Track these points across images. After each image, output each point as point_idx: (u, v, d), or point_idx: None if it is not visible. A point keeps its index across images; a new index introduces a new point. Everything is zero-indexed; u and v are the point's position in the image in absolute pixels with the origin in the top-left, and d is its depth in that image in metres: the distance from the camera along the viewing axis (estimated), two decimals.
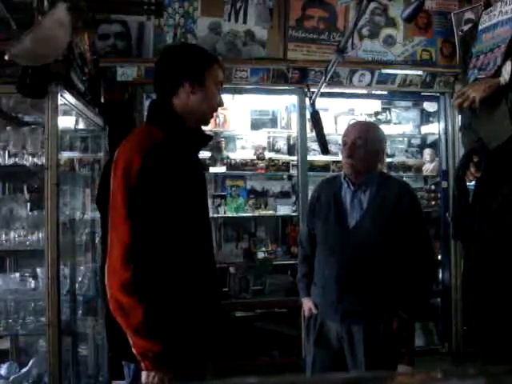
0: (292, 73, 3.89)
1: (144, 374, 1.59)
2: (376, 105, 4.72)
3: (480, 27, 2.23)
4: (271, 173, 4.55)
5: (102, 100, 3.45)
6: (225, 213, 4.38)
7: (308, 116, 3.75)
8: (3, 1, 2.24)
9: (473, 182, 2.19)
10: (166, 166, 1.62)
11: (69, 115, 2.71)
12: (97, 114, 3.13)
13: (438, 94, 4.28)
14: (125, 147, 1.65)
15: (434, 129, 4.60)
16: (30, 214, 2.71)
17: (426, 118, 4.86)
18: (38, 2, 2.21)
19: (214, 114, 1.88)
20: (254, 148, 4.54)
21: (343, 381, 0.71)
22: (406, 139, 5.00)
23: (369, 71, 3.97)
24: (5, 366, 2.77)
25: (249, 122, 4.54)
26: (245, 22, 3.82)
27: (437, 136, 4.46)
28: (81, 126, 3.05)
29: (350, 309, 2.22)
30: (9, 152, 2.64)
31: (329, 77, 2.55)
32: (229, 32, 3.80)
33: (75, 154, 3.10)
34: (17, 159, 2.64)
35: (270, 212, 4.48)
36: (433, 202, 4.55)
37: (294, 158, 4.34)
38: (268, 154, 4.52)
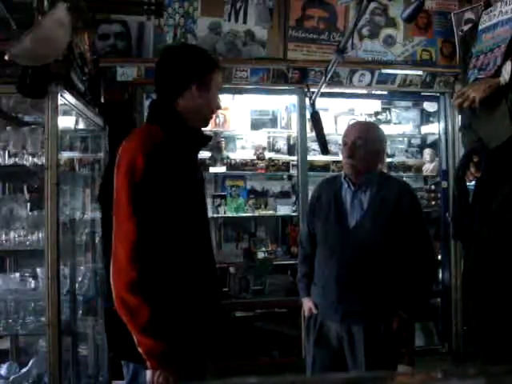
0: (292, 73, 3.89)
1: (149, 373, 1.59)
2: (376, 105, 4.72)
3: (480, 27, 2.23)
4: (271, 173, 4.55)
5: (102, 100, 3.45)
6: (225, 213, 4.38)
7: (308, 116, 3.75)
8: (3, 1, 2.24)
9: (473, 182, 2.19)
10: (168, 164, 1.63)
11: (69, 115, 2.71)
12: (97, 114, 3.13)
13: (438, 94, 4.27)
14: (127, 146, 1.66)
15: (434, 129, 4.60)
16: (29, 214, 2.71)
17: (426, 117, 4.86)
18: (37, 2, 2.20)
19: (214, 115, 1.89)
20: (253, 148, 4.54)
21: (343, 381, 0.71)
22: (405, 139, 5.01)
23: (369, 71, 3.97)
24: (5, 366, 2.77)
25: (249, 122, 4.53)
26: (245, 22, 3.82)
27: (437, 136, 4.46)
28: (81, 125, 3.05)
29: (350, 309, 2.23)
30: (9, 152, 2.64)
31: (329, 77, 2.55)
32: (229, 32, 3.80)
33: (75, 154, 3.10)
34: (17, 159, 2.64)
35: (270, 212, 4.48)
36: (433, 202, 4.55)
37: (294, 157, 4.34)
38: (268, 154, 4.53)
